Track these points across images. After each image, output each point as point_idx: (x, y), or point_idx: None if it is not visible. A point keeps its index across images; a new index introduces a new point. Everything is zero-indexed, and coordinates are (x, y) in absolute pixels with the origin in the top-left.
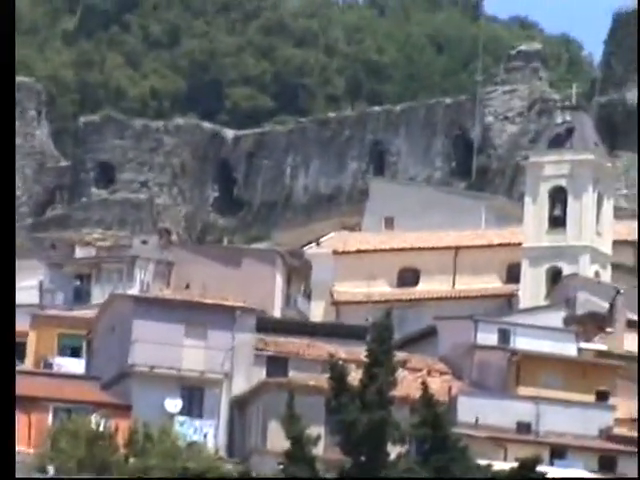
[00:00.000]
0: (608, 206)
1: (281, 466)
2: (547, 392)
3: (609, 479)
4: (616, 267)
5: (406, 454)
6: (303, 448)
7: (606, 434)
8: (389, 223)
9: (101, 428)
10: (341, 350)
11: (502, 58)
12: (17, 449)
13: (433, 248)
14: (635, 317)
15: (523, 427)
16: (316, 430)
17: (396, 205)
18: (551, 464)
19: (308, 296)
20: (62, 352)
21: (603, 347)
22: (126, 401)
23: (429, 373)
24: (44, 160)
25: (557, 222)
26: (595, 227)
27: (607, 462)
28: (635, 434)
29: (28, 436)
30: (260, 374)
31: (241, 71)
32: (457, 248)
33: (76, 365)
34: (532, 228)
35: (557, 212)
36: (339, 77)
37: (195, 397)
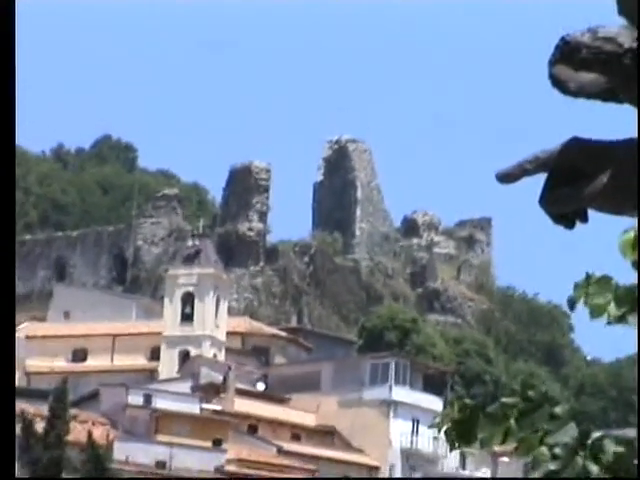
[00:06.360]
0: (224, 307)
1: None
2: (179, 439)
3: (610, 479)
4: (228, 350)
5: None
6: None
7: (220, 470)
8: (67, 316)
9: None
10: (30, 407)
11: (150, 199)
12: None
13: (98, 335)
14: (243, 386)
15: (160, 464)
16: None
17: (72, 303)
18: None
19: None
20: None
21: (218, 407)
22: None
23: (93, 424)
24: None
25: (187, 317)
26: (214, 321)
27: None
28: (243, 470)
29: None
30: None
31: None
32: (115, 335)
33: None
34: (169, 321)
35: (187, 310)
36: (33, 210)
37: None
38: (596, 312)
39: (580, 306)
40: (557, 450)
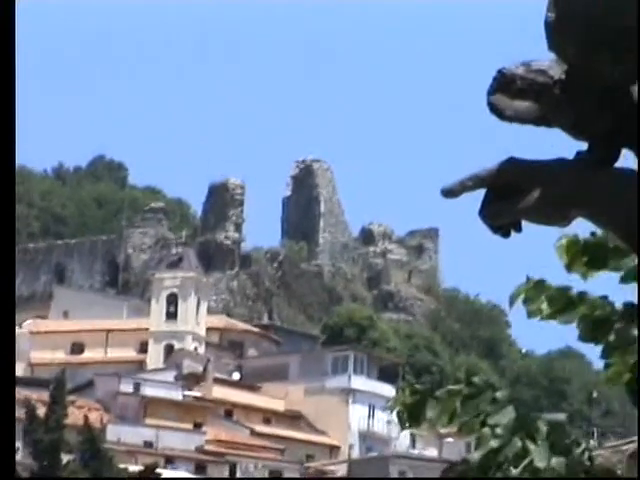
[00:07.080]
0: (203, 306)
1: None
2: (164, 422)
3: (611, 479)
4: (208, 344)
5: (73, 461)
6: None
7: (200, 450)
8: (66, 314)
9: None
10: (33, 394)
11: (139, 212)
12: None
13: (93, 330)
14: (220, 376)
15: (148, 444)
16: (15, 445)
17: (71, 303)
18: (165, 468)
19: None
20: None
21: (199, 394)
22: None
23: (89, 409)
24: None
25: (171, 316)
26: (195, 319)
27: (200, 467)
28: (220, 450)
29: None
30: None
31: None
32: (108, 331)
33: None
34: (156, 319)
35: (172, 309)
36: (36, 222)
37: None
38: (532, 313)
39: (518, 304)
40: (498, 430)
